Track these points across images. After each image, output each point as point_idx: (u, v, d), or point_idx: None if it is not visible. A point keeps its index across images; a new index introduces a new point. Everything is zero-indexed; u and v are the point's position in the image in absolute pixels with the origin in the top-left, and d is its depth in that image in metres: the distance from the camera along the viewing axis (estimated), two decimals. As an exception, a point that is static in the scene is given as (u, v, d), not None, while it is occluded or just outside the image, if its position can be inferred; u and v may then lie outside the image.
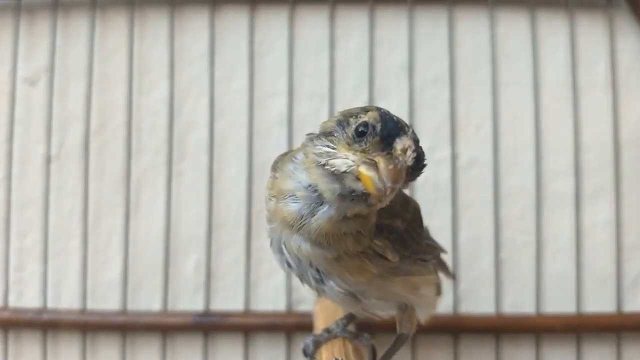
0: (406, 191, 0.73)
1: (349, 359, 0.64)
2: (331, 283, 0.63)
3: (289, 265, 0.65)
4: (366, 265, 0.60)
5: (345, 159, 0.55)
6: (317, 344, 0.70)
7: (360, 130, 0.55)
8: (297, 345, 0.97)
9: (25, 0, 1.01)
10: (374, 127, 0.55)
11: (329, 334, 0.71)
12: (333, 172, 0.55)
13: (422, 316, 0.70)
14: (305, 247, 0.60)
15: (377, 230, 0.60)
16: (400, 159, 0.53)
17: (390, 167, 0.53)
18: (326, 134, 0.58)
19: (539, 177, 0.99)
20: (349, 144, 0.55)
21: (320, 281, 0.63)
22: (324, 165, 0.56)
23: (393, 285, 0.64)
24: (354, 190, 0.54)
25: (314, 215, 0.57)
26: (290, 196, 0.59)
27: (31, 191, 1.00)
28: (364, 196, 0.54)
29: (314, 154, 0.57)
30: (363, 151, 0.54)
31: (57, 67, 1.00)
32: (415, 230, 0.66)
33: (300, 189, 0.58)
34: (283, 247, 0.63)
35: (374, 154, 0.54)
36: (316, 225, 0.58)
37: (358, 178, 0.54)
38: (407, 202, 0.67)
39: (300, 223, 0.58)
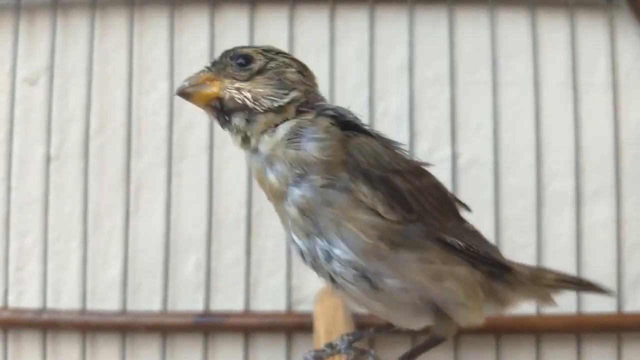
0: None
1: (351, 378, 0.61)
2: (337, 251, 0.60)
3: (302, 255, 0.64)
4: (359, 213, 0.59)
5: None
6: None
7: None
8: (297, 346, 0.97)
9: (25, 0, 1.01)
10: None
11: (332, 350, 0.67)
12: None
13: (461, 320, 0.65)
14: (296, 193, 0.60)
15: (358, 174, 0.59)
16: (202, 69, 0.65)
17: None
18: None
19: (539, 177, 0.99)
20: None
21: (328, 256, 0.61)
22: None
23: (409, 268, 0.60)
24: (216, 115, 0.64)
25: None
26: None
27: (31, 191, 1.00)
28: (220, 109, 0.63)
29: None
30: None
31: (57, 67, 1.00)
32: (429, 201, 0.63)
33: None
34: (292, 234, 0.63)
35: None
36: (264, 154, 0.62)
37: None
38: (420, 172, 0.65)
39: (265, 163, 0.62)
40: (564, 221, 0.99)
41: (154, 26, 1.01)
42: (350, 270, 0.61)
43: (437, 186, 0.66)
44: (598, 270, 0.98)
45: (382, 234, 0.59)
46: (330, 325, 0.76)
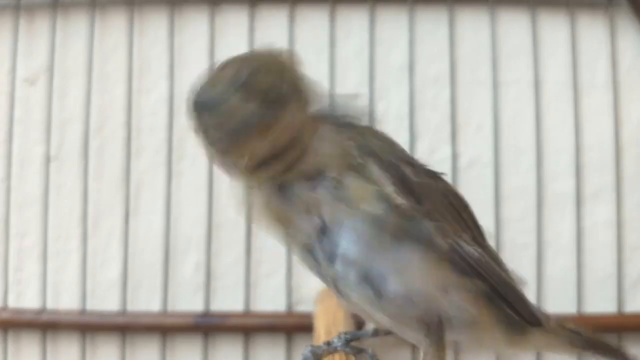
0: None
1: (349, 374, 0.61)
2: (342, 244, 0.55)
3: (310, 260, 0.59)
4: (369, 190, 0.54)
5: None
6: (316, 356, 0.65)
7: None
8: (297, 346, 0.97)
9: (24, 0, 1.01)
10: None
11: (329, 347, 0.66)
12: None
13: (469, 344, 0.60)
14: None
15: (368, 157, 0.55)
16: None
17: None
18: None
19: (539, 177, 0.99)
20: None
21: (332, 255, 0.56)
22: None
23: (413, 270, 0.56)
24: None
25: None
26: None
27: (30, 191, 1.00)
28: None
29: None
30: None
31: (57, 67, 1.00)
32: (443, 202, 0.59)
33: None
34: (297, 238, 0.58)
35: None
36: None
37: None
38: (433, 174, 0.61)
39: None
40: (565, 221, 0.99)
41: (154, 26, 1.01)
42: (352, 271, 0.57)
43: (456, 196, 0.62)
44: (598, 270, 0.98)
45: (386, 221, 0.54)
46: (330, 325, 0.76)
